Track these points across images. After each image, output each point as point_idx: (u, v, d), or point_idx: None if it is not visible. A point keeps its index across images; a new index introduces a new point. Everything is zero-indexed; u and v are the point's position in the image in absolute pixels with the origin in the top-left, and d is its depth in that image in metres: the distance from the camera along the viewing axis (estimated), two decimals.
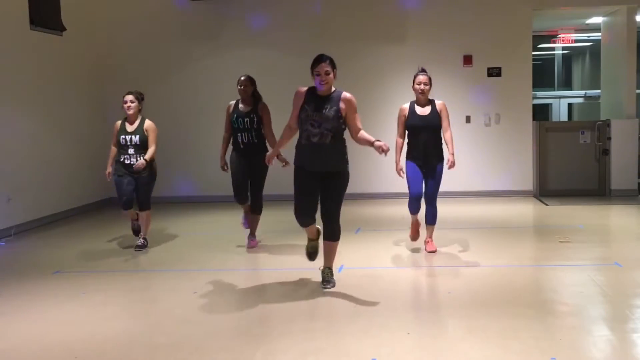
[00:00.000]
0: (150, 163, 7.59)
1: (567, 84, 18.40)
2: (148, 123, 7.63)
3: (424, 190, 7.09)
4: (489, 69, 11.43)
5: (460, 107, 11.36)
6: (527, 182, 11.52)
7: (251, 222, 7.77)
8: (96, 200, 11.31)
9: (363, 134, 5.70)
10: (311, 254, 6.16)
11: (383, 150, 5.40)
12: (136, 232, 7.94)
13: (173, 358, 4.40)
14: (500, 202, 10.93)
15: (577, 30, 13.93)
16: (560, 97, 16.83)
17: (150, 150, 7.55)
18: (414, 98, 7.08)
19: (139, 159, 7.50)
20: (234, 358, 4.37)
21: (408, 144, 7.07)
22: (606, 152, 11.20)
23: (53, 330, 5.04)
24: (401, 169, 7.07)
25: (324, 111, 5.60)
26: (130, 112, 7.56)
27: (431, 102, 7.01)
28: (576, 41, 15.18)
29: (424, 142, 6.92)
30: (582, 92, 16.95)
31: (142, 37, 11.73)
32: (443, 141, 7.05)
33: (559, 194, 11.13)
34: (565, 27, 13.69)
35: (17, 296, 6.00)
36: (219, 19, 11.62)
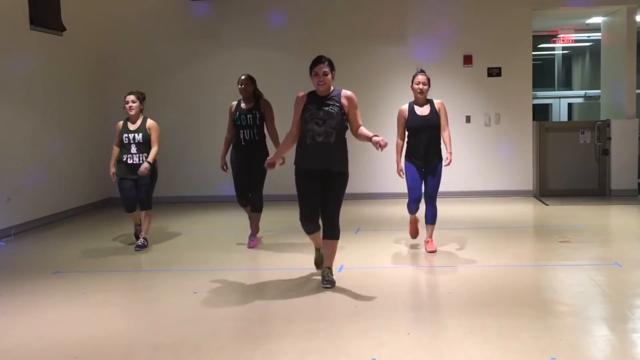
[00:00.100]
0: (152, 163, 7.62)
1: (567, 84, 18.40)
2: (150, 122, 7.69)
3: (423, 190, 7.13)
4: (489, 69, 11.43)
5: (460, 107, 11.37)
6: (527, 182, 11.52)
7: (252, 220, 7.78)
8: (96, 200, 11.31)
9: (363, 129, 5.79)
10: (319, 265, 6.24)
11: (380, 146, 5.49)
12: (138, 237, 7.94)
13: (173, 358, 4.40)
14: (500, 202, 10.93)
15: (577, 30, 13.92)
16: (560, 97, 16.83)
17: (153, 151, 7.60)
18: (412, 98, 7.10)
19: (141, 157, 7.55)
20: (234, 358, 4.37)
21: (407, 144, 7.09)
22: (606, 152, 11.20)
23: (53, 330, 5.04)
24: (401, 170, 7.10)
25: (327, 108, 5.69)
26: (132, 112, 7.60)
27: (430, 102, 7.04)
28: (576, 41, 15.17)
29: (426, 142, 6.95)
30: (582, 92, 16.95)
31: (142, 37, 11.73)
32: (442, 140, 7.08)
33: (559, 194, 11.13)
34: (565, 27, 13.68)
35: (17, 296, 5.99)
36: (219, 19, 11.62)
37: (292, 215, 9.44)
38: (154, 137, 7.63)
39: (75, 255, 7.70)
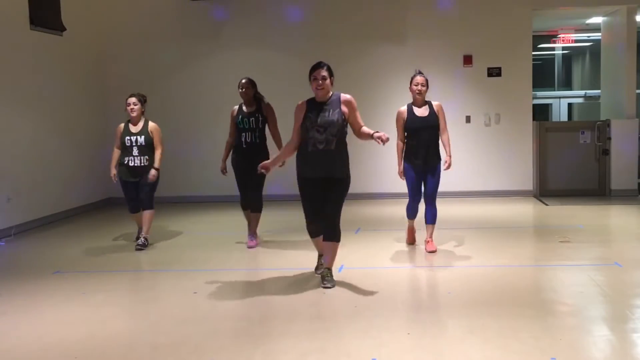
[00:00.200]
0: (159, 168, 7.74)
1: (567, 84, 18.39)
2: (152, 125, 7.74)
3: (423, 191, 7.18)
4: (489, 69, 11.43)
5: (460, 107, 11.37)
6: (527, 182, 11.52)
7: (251, 221, 7.80)
8: (96, 200, 11.31)
9: (364, 128, 5.86)
10: (319, 269, 6.25)
11: (382, 140, 5.56)
12: (137, 244, 7.95)
13: (173, 358, 4.40)
14: (500, 202, 10.93)
15: (577, 30, 13.92)
16: (560, 97, 16.83)
17: (158, 156, 7.70)
18: (411, 100, 7.16)
19: (143, 160, 7.62)
20: (234, 358, 4.37)
21: (406, 145, 7.14)
22: (606, 152, 11.20)
23: (52, 330, 5.04)
24: (402, 172, 7.13)
25: (327, 115, 5.74)
26: (134, 114, 7.65)
27: (428, 103, 7.10)
28: (576, 41, 15.17)
29: (425, 143, 7.00)
30: (582, 92, 16.95)
31: (142, 37, 11.73)
32: (440, 141, 7.13)
33: (559, 194, 11.13)
34: (565, 27, 13.68)
35: (17, 296, 5.99)
36: (219, 19, 11.61)
37: (292, 215, 9.48)
38: (156, 140, 7.69)
39: (75, 255, 7.70)
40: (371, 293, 5.72)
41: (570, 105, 16.84)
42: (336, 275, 6.12)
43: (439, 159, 7.09)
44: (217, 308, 5.48)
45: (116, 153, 7.84)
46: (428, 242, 7.24)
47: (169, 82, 11.69)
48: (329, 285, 5.88)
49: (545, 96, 16.77)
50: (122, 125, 7.78)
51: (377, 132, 5.66)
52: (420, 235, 7.55)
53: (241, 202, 7.86)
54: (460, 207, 10.42)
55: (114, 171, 7.84)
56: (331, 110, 5.76)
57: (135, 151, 7.61)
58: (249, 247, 7.70)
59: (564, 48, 17.26)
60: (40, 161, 9.71)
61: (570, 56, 18.31)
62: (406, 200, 7.36)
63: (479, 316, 5.02)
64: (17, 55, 9.23)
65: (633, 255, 7.04)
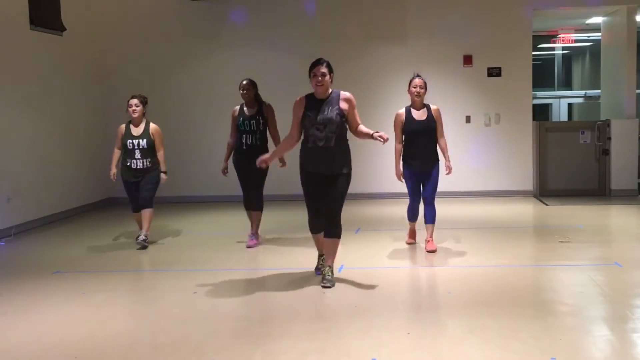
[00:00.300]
0: (157, 165, 7.81)
1: (567, 84, 18.39)
2: (153, 127, 7.82)
3: (422, 192, 7.24)
4: (489, 69, 11.43)
5: (460, 107, 11.38)
6: (527, 182, 11.52)
7: (252, 220, 7.82)
8: (96, 200, 11.31)
9: (362, 127, 5.92)
10: (319, 269, 6.27)
11: (383, 139, 5.64)
12: (137, 243, 7.97)
13: (173, 358, 4.40)
14: (500, 202, 10.93)
15: (577, 30, 13.92)
16: (560, 97, 16.83)
17: (162, 158, 7.85)
18: (409, 102, 7.22)
19: (145, 162, 7.72)
20: (234, 358, 4.37)
21: (404, 147, 7.20)
22: (606, 152, 11.20)
23: (52, 330, 5.04)
24: (401, 174, 7.18)
25: (326, 113, 5.77)
26: (135, 115, 7.73)
27: (426, 106, 7.16)
28: (576, 41, 15.17)
29: (423, 145, 7.09)
30: (582, 92, 16.95)
31: (142, 37, 11.73)
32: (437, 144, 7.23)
33: (559, 194, 11.13)
34: (565, 27, 13.68)
35: (17, 296, 6.00)
36: (219, 19, 11.61)
37: (292, 216, 9.48)
38: (158, 142, 7.80)
39: (75, 255, 7.70)
40: (371, 293, 5.72)
41: (570, 105, 16.84)
42: (336, 275, 6.11)
43: (436, 161, 7.17)
44: (217, 308, 5.48)
45: (116, 153, 7.91)
46: (428, 241, 7.26)
47: (169, 82, 11.68)
48: (328, 284, 5.88)
49: (545, 96, 16.78)
50: (123, 126, 7.83)
51: (377, 132, 5.72)
52: (421, 235, 7.56)
53: (244, 202, 7.89)
54: (460, 207, 10.42)
55: (114, 170, 7.92)
56: (330, 108, 5.80)
57: (137, 154, 7.70)
58: (248, 247, 7.70)
59: (564, 48, 17.27)
60: (40, 161, 9.71)
61: (570, 56, 18.31)
62: (406, 201, 7.38)
63: (479, 316, 5.02)
64: (17, 55, 9.23)
65: (633, 255, 7.04)
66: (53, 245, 8.40)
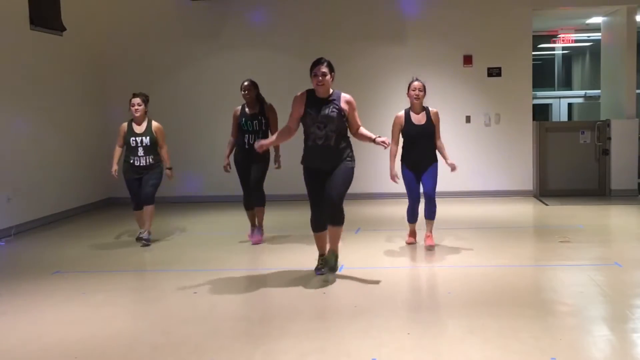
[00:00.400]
0: (160, 162, 7.93)
1: (567, 84, 18.39)
2: (156, 125, 7.92)
3: (422, 190, 7.29)
4: (489, 69, 11.43)
5: (460, 107, 11.37)
6: (527, 182, 11.52)
7: (256, 215, 7.91)
8: (96, 200, 11.31)
9: (362, 130, 6.00)
10: (319, 269, 6.30)
11: (385, 143, 5.82)
12: (140, 239, 8.01)
13: (173, 358, 4.40)
14: (500, 202, 10.93)
15: (577, 30, 13.92)
16: (560, 97, 16.83)
17: (166, 155, 7.98)
18: (409, 103, 7.27)
19: (148, 159, 7.81)
20: (234, 358, 4.37)
21: (403, 150, 7.30)
22: (606, 152, 11.20)
23: (53, 330, 5.04)
24: (395, 175, 7.21)
25: (327, 112, 5.83)
26: (138, 114, 7.82)
27: (425, 109, 7.22)
28: (576, 41, 15.17)
29: (422, 148, 7.19)
30: (582, 92, 16.94)
31: (142, 37, 11.73)
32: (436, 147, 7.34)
33: (559, 194, 11.13)
34: (565, 27, 13.68)
35: (17, 296, 5.99)
36: (220, 19, 11.61)
37: (293, 215, 9.49)
38: (161, 140, 7.92)
39: (75, 255, 7.70)
40: (371, 293, 5.72)
41: (570, 105, 16.84)
42: (336, 275, 6.14)
43: (435, 160, 7.26)
44: (217, 308, 5.48)
45: (118, 151, 8.01)
46: (428, 236, 7.34)
47: (169, 82, 11.68)
48: (330, 271, 6.04)
49: (545, 96, 16.77)
50: (125, 124, 7.91)
51: (379, 136, 5.84)
52: (421, 235, 7.57)
53: (244, 201, 7.92)
54: (460, 207, 10.42)
55: (115, 167, 8.00)
56: (331, 107, 5.85)
57: (140, 151, 7.78)
58: (254, 243, 7.78)
59: (564, 48, 17.26)
60: (40, 161, 9.71)
61: (570, 56, 18.31)
62: (406, 201, 7.38)
63: (479, 316, 5.02)
64: (17, 55, 9.23)
65: (633, 255, 7.04)
66: (53, 245, 8.40)
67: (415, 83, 7.16)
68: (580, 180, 11.28)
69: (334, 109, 5.83)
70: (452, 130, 11.06)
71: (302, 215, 6.09)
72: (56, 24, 10.12)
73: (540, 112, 15.74)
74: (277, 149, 7.68)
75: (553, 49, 17.18)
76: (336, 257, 6.08)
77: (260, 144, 6.16)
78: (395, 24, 11.45)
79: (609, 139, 11.17)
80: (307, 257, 6.82)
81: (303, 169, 6.09)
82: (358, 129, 5.98)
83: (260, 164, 7.67)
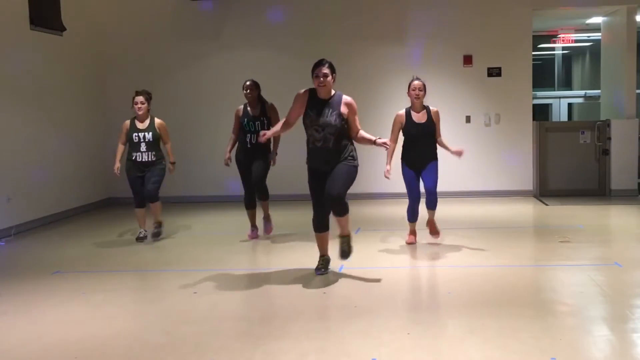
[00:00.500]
0: (161, 159, 8.02)
1: (567, 84, 18.39)
2: (158, 121, 8.03)
3: (422, 188, 7.32)
4: (489, 69, 11.43)
5: (460, 107, 11.38)
6: (527, 182, 11.52)
7: (262, 209, 8.04)
8: (96, 200, 11.31)
9: (362, 133, 6.05)
10: (319, 269, 6.32)
11: (387, 146, 5.98)
12: (140, 239, 8.08)
13: (173, 358, 4.40)
14: (500, 202, 10.93)
15: (577, 30, 13.92)
16: (560, 97, 16.83)
17: (170, 150, 8.12)
18: (409, 102, 7.30)
19: (150, 155, 7.91)
20: (234, 358, 4.37)
21: (404, 148, 7.34)
22: (606, 152, 11.20)
23: (53, 330, 5.04)
24: (388, 171, 7.18)
25: (327, 116, 5.87)
26: (141, 112, 7.91)
27: (426, 108, 7.26)
28: (576, 41, 15.17)
29: (423, 147, 7.24)
30: (582, 92, 16.94)
31: (142, 36, 11.73)
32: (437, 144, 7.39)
33: (559, 194, 11.13)
34: (565, 27, 13.68)
35: (17, 296, 5.99)
36: (219, 19, 11.61)
37: (293, 215, 9.48)
38: (165, 136, 8.06)
39: (75, 255, 7.70)
40: (371, 293, 5.72)
41: (570, 105, 16.84)
42: (336, 275, 6.15)
43: (436, 159, 7.31)
44: (217, 308, 5.48)
45: (120, 148, 8.08)
46: (430, 221, 7.46)
47: (169, 82, 11.68)
48: (344, 258, 6.15)
49: (545, 96, 16.78)
50: (128, 122, 8.00)
51: (379, 138, 5.91)
52: (421, 235, 7.58)
53: (245, 201, 7.95)
54: (460, 207, 10.42)
55: (117, 164, 8.04)
56: (331, 111, 5.87)
57: (143, 147, 7.85)
58: (266, 233, 8.02)
59: (564, 48, 17.27)
60: (40, 161, 9.71)
61: (570, 56, 18.31)
62: (406, 201, 7.39)
63: (479, 316, 5.02)
64: (17, 55, 9.23)
65: (633, 255, 7.04)
66: (53, 245, 8.40)
67: (416, 82, 7.19)
68: (580, 180, 11.28)
69: (334, 114, 5.86)
70: (452, 130, 11.04)
71: (303, 215, 6.09)
72: (56, 24, 10.12)
73: (540, 112, 15.74)
74: (275, 146, 7.74)
75: (553, 49, 17.18)
76: (349, 240, 6.14)
77: (263, 132, 6.28)
78: (396, 24, 11.45)
79: (609, 139, 11.17)
80: (307, 257, 6.81)
81: (308, 170, 6.15)
82: (358, 132, 6.03)
83: (262, 161, 7.73)
